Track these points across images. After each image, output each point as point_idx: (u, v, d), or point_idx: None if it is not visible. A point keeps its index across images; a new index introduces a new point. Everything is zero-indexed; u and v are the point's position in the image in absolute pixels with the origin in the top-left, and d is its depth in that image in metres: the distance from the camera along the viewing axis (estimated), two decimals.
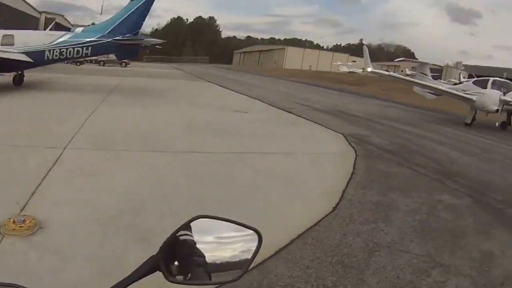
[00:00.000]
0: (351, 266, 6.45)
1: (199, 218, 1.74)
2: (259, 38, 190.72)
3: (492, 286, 6.38)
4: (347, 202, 9.43)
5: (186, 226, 1.73)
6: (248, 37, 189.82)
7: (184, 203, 8.37)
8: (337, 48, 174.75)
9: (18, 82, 29.14)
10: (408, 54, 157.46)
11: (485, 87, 26.88)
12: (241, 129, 16.67)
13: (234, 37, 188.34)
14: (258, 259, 1.74)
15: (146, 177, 10.12)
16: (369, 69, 29.89)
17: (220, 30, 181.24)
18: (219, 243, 1.74)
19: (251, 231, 1.79)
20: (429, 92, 31.53)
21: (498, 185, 12.62)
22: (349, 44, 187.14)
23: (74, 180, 9.62)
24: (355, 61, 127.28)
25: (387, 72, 31.61)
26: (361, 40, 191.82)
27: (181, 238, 1.71)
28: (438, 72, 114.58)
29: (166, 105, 22.63)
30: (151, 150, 12.64)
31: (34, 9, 69.42)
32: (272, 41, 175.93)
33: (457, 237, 8.20)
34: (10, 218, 7.16)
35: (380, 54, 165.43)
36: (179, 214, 7.69)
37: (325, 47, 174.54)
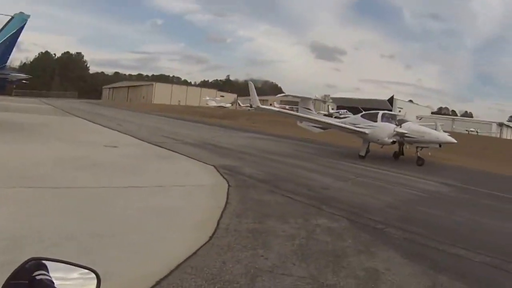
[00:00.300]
0: None
1: (32, 261, 1.76)
2: (127, 74, 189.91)
3: None
4: (223, 231, 9.25)
5: (23, 269, 1.75)
6: (116, 72, 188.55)
7: (58, 239, 7.88)
8: (205, 84, 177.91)
9: None
10: (275, 89, 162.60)
11: (374, 120, 27.50)
12: (112, 164, 16.10)
13: (102, 72, 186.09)
14: None
15: (18, 214, 9.39)
16: (257, 105, 29.32)
17: (87, 65, 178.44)
18: (59, 284, 1.72)
19: (86, 271, 1.82)
20: (315, 126, 31.78)
21: (374, 207, 13.01)
22: (216, 80, 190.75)
23: None
24: (223, 96, 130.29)
25: (276, 108, 31.28)
26: (228, 76, 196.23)
27: (37, 278, 1.70)
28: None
29: (35, 140, 21.44)
30: (21, 187, 11.81)
31: None
32: (140, 77, 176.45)
33: (339, 257, 8.25)
34: None
35: (247, 89, 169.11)
36: (54, 251, 7.27)
37: (192, 83, 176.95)
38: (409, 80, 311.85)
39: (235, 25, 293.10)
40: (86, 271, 1.77)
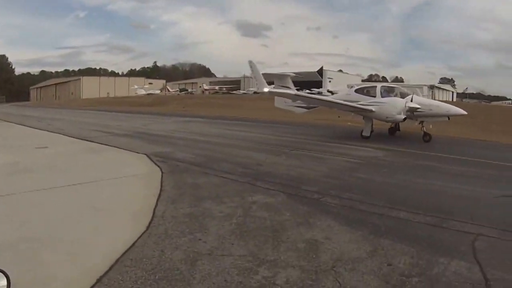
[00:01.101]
0: (176, 279, 6.25)
1: None
2: (53, 71, 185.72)
3: (324, 271, 6.48)
4: (159, 219, 9.12)
5: None
6: (42, 71, 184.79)
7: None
8: (132, 73, 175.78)
9: None
10: (204, 70, 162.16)
11: (373, 95, 25.50)
12: (44, 164, 15.62)
13: (28, 73, 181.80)
14: None
15: None
16: (265, 90, 25.38)
17: (13, 67, 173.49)
18: None
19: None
20: (298, 106, 29.25)
21: (309, 178, 13.11)
22: (143, 68, 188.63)
23: None
24: (151, 83, 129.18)
25: (293, 92, 27.64)
26: (155, 62, 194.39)
27: None
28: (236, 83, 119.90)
29: None
30: None
31: None
32: (66, 73, 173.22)
33: (277, 232, 8.30)
34: None
35: (175, 73, 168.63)
36: None
37: (120, 73, 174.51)
38: (338, 51, 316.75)
39: (159, 10, 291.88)
40: None
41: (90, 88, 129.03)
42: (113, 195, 11.36)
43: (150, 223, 8.85)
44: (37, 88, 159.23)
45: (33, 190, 11.83)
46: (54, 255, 7.12)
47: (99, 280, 6.22)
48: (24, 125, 35.87)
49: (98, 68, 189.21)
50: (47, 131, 29.61)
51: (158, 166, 14.82)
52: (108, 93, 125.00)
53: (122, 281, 6.20)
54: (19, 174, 14.07)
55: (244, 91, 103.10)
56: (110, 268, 6.64)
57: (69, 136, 25.38)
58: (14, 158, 17.04)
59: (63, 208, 10.13)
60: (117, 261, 6.93)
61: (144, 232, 8.32)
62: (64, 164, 15.79)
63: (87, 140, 22.81)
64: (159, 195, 11.10)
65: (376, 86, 26.83)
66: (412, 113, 23.38)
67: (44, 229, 8.56)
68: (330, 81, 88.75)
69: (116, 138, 23.55)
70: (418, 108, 23.10)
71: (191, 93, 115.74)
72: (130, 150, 18.54)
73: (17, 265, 6.54)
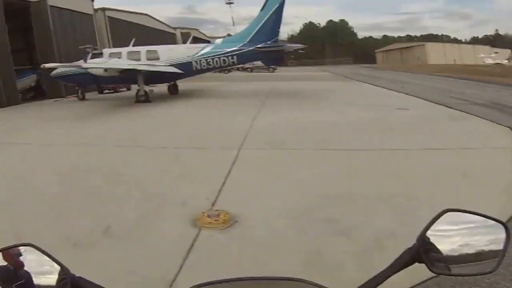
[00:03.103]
0: None
1: (448, 212, 1.72)
2: (395, 36, 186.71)
3: None
4: None
5: (436, 219, 1.71)
6: (385, 36, 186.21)
7: (368, 200, 8.36)
8: (475, 41, 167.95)
9: (173, 92, 31.93)
10: None
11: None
12: (408, 125, 16.28)
13: (371, 37, 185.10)
14: None
15: (326, 172, 10.28)
16: None
17: (354, 31, 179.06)
18: (466, 238, 1.71)
19: (498, 224, 1.73)
20: None
21: None
22: (486, 36, 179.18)
23: (255, 177, 10.08)
24: (497, 52, 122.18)
25: None
26: (496, 30, 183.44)
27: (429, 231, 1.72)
28: None
29: (325, 106, 22.66)
30: (322, 149, 12.75)
31: (169, 26, 72.03)
32: (409, 38, 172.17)
33: None
34: (204, 212, 7.61)
35: None
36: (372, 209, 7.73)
37: (463, 40, 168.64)
38: None
39: None
40: (495, 223, 1.70)
41: (434, 54, 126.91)
42: (481, 164, 11.13)
43: None
44: (382, 51, 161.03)
45: (398, 148, 12.51)
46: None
47: None
48: (378, 86, 37.11)
49: (439, 34, 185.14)
50: (402, 93, 30.22)
51: None
52: (454, 60, 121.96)
53: None
54: (387, 132, 14.87)
55: None
56: None
57: (425, 100, 25.45)
58: (379, 117, 18.04)
59: (431, 169, 10.43)
60: None
61: None
62: (427, 126, 16.01)
63: (444, 106, 22.65)
64: None
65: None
66: None
67: (417, 187, 9.01)
68: None
69: (474, 107, 22.68)
70: None
71: None
72: (490, 121, 17.77)
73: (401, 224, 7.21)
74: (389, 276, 1.66)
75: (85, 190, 9.34)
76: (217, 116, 19.89)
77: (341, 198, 8.42)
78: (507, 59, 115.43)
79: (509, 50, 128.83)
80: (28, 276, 1.60)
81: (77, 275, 1.61)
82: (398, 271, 1.67)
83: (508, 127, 16.31)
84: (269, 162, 11.41)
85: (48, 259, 1.61)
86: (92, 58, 28.29)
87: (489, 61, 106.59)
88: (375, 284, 1.65)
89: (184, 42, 36.88)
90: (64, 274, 1.59)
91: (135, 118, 20.16)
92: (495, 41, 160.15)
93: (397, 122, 16.86)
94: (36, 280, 1.60)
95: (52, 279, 1.60)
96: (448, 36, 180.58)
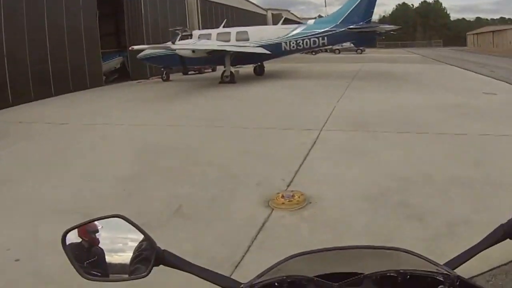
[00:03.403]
0: None
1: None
2: (488, 18, 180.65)
3: None
4: None
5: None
6: (478, 18, 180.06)
7: (444, 183, 8.18)
8: None
9: (259, 73, 31.64)
10: None
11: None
12: (494, 111, 15.54)
13: (463, 19, 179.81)
14: None
15: (408, 156, 10.09)
16: None
17: (448, 13, 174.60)
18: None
19: None
20: None
21: None
22: None
23: (334, 158, 9.96)
24: None
25: None
26: None
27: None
28: None
29: (412, 89, 22.01)
30: (405, 132, 12.52)
31: (260, 7, 72.22)
32: (502, 20, 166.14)
33: None
34: (278, 193, 7.56)
35: None
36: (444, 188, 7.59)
37: None
38: None
39: None
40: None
41: None
42: None
43: None
44: (473, 34, 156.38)
45: (483, 134, 12.09)
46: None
47: None
48: (467, 70, 36.03)
49: None
50: (491, 78, 29.16)
51: None
52: None
53: None
54: (469, 116, 14.43)
55: None
56: None
57: None
58: (464, 101, 17.45)
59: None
60: None
61: None
62: None
63: None
64: None
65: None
66: None
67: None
68: None
69: None
70: None
71: None
72: None
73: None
74: (481, 250, 1.64)
75: (160, 170, 9.49)
76: (300, 97, 19.73)
77: (420, 182, 8.25)
78: None
79: None
80: (101, 253, 1.62)
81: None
82: (490, 246, 1.64)
83: None
84: (349, 144, 11.28)
85: (135, 231, 1.64)
86: (181, 39, 28.51)
87: None
88: (467, 258, 1.63)
89: (275, 23, 36.94)
90: (150, 246, 1.63)
91: (219, 98, 20.28)
92: None
93: (483, 107, 16.29)
94: (109, 258, 1.62)
95: (136, 251, 1.63)
96: None
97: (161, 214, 6.97)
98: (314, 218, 6.75)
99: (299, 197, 7.37)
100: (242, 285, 1.48)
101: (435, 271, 1.45)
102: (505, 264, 5.29)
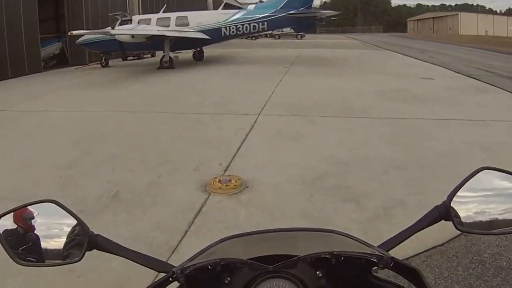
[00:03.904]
0: None
1: (483, 170, 1.66)
2: (429, 5, 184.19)
3: None
4: None
5: (470, 177, 1.65)
6: (418, 4, 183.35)
7: (385, 165, 8.41)
8: (510, 12, 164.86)
9: (198, 58, 31.59)
10: None
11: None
12: (432, 96, 16.00)
13: (404, 5, 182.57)
14: None
15: (345, 140, 10.28)
16: None
17: (389, 0, 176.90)
18: (498, 197, 1.66)
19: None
20: None
21: None
22: None
23: (272, 143, 10.10)
24: None
25: None
26: None
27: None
28: None
29: (351, 74, 22.40)
30: (343, 116, 12.75)
31: None
32: (443, 7, 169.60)
33: None
34: (215, 178, 7.62)
35: None
36: (384, 178, 7.75)
37: (498, 11, 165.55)
38: None
39: None
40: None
41: (467, 24, 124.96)
42: (504, 138, 10.73)
43: None
44: (414, 20, 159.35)
45: (419, 118, 12.41)
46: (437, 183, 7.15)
47: None
48: (406, 55, 36.68)
49: (475, 4, 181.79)
50: (430, 63, 29.76)
51: None
52: (486, 31, 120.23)
53: None
54: (407, 101, 14.79)
55: None
56: None
57: (452, 71, 25.05)
58: (401, 86, 17.84)
59: (450, 141, 10.25)
60: None
61: None
62: (450, 97, 15.80)
63: (471, 77, 22.16)
64: None
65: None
66: None
67: (430, 157, 8.92)
68: None
69: (502, 80, 22.03)
70: None
71: None
72: None
73: (397, 186, 7.12)
74: (415, 232, 1.66)
75: (98, 156, 9.41)
76: (239, 82, 19.79)
77: (357, 165, 8.44)
78: None
79: None
80: (36, 239, 1.60)
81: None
82: (425, 228, 1.66)
83: None
84: (287, 129, 11.38)
85: (69, 216, 1.62)
86: (121, 25, 28.07)
87: None
88: (400, 240, 1.66)
89: (216, 8, 36.78)
90: (83, 231, 1.61)
91: (157, 84, 20.08)
92: None
93: (421, 92, 16.68)
94: (44, 244, 1.60)
95: (69, 236, 1.61)
96: (483, 7, 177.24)
97: (99, 200, 6.94)
98: (251, 202, 6.81)
99: (236, 181, 7.43)
100: (174, 269, 1.45)
101: (369, 252, 1.47)
102: (440, 245, 5.47)
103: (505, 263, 5.20)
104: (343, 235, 1.67)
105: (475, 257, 5.30)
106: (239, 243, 1.69)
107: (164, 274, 1.48)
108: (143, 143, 10.27)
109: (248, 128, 11.25)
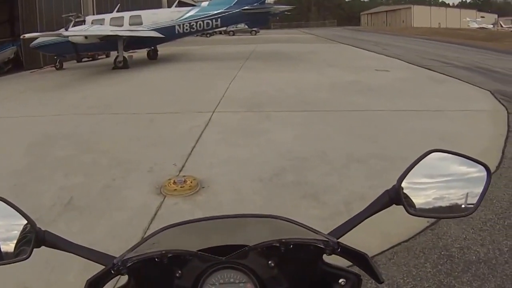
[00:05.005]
0: None
1: (432, 153, 1.70)
2: None
3: None
4: (509, 160, 8.61)
5: (420, 159, 1.68)
6: None
7: (343, 159, 8.41)
8: (463, 5, 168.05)
9: (153, 57, 31.21)
10: None
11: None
12: (386, 87, 16.19)
13: None
14: None
15: (302, 134, 10.25)
16: None
17: None
18: (447, 179, 1.68)
19: (480, 166, 1.67)
20: None
21: None
22: (474, 0, 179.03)
23: (227, 140, 9.97)
24: (483, 17, 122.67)
25: None
26: None
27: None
28: None
29: (305, 68, 22.43)
30: (299, 110, 12.69)
31: None
32: (396, 1, 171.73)
33: None
34: (170, 179, 7.44)
35: (507, 9, 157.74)
36: (343, 172, 7.72)
37: (450, 4, 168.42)
38: None
39: None
40: (480, 166, 1.66)
41: (421, 17, 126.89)
42: (458, 127, 10.93)
43: (499, 164, 8.44)
44: (367, 14, 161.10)
45: (376, 109, 12.53)
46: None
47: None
48: (360, 48, 36.97)
49: None
50: (384, 55, 30.04)
51: (504, 106, 13.71)
52: (439, 23, 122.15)
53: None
54: (363, 93, 14.85)
55: None
56: None
57: (407, 62, 25.32)
58: (357, 79, 17.97)
59: (408, 131, 10.34)
60: None
61: (494, 172, 7.79)
62: (406, 88, 16.02)
63: (426, 68, 22.42)
64: (507, 136, 10.34)
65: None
66: None
67: (389, 147, 9.04)
68: None
69: (456, 70, 22.44)
70: None
71: None
72: (472, 84, 17.58)
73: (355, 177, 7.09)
74: (366, 217, 1.65)
75: (52, 161, 9.14)
76: (194, 80, 19.68)
77: (316, 160, 8.40)
78: (492, 24, 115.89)
79: (495, 15, 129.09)
80: None
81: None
82: (376, 213, 1.66)
83: (488, 90, 16.19)
84: (242, 125, 11.32)
85: (16, 214, 1.60)
86: (74, 26, 27.57)
87: (474, 25, 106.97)
88: (352, 226, 1.65)
89: (170, 7, 36.54)
90: (32, 228, 1.59)
91: (111, 85, 19.68)
92: (483, 5, 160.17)
93: (376, 84, 16.80)
94: None
95: (21, 234, 1.60)
96: (436, 0, 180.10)
97: (52, 209, 6.72)
98: (207, 203, 6.70)
99: (191, 182, 7.28)
100: (114, 260, 1.45)
101: (317, 238, 1.48)
102: (405, 241, 5.44)
103: (474, 257, 5.19)
104: (288, 221, 1.68)
105: (442, 252, 5.28)
106: (182, 231, 1.69)
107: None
108: (97, 145, 10.02)
109: (203, 125, 11.13)
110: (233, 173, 7.85)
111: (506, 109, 13.22)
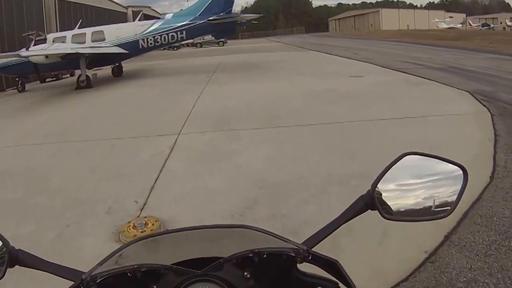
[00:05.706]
0: None
1: (407, 155, 1.69)
2: (350, 3, 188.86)
3: None
4: (502, 169, 8.07)
5: (394, 163, 1.68)
6: (339, 4, 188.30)
7: (320, 178, 7.93)
8: (431, 5, 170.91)
9: (117, 74, 30.77)
10: (503, 5, 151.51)
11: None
12: (363, 94, 15.81)
13: (325, 5, 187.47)
14: None
15: (275, 156, 9.58)
16: None
17: (310, 1, 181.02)
18: (423, 182, 1.67)
19: (456, 168, 1.69)
20: None
21: None
22: (442, 1, 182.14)
23: (194, 168, 9.16)
24: (452, 17, 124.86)
25: None
26: None
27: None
28: None
29: (275, 78, 22.10)
30: (270, 127, 12.09)
31: (119, 5, 71.11)
32: (364, 5, 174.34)
33: None
34: (129, 222, 6.58)
35: (475, 8, 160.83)
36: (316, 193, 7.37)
37: (418, 6, 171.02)
38: None
39: None
40: (456, 167, 1.68)
41: (389, 20, 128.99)
42: (443, 134, 10.50)
43: (493, 173, 7.89)
44: (335, 19, 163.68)
45: (354, 120, 12.06)
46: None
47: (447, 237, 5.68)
48: (330, 54, 36.87)
49: (395, 0, 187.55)
50: (356, 60, 30.16)
51: (486, 107, 13.38)
52: (408, 25, 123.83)
53: (475, 243, 5.57)
54: (338, 102, 14.53)
55: None
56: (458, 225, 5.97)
57: (380, 66, 25.23)
58: (330, 86, 17.62)
59: (391, 141, 9.81)
60: (465, 215, 6.20)
61: (489, 183, 7.41)
62: (383, 94, 15.66)
63: (400, 71, 22.31)
64: (495, 141, 9.90)
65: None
66: None
67: (367, 164, 8.08)
68: None
69: (430, 71, 22.40)
70: None
71: (492, 28, 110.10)
72: (449, 85, 17.34)
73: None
74: (342, 224, 1.65)
75: (1, 204, 8.10)
76: (159, 97, 19.07)
77: (293, 187, 7.70)
78: (460, 24, 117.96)
79: (463, 15, 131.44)
80: None
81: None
82: (351, 219, 1.66)
83: (466, 91, 15.88)
84: (209, 148, 10.59)
85: None
86: (35, 45, 26.51)
87: (443, 25, 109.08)
88: (326, 234, 1.65)
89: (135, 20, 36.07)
90: (4, 247, 1.59)
91: (72, 106, 18.84)
92: (451, 6, 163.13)
93: (350, 91, 16.45)
94: None
95: None
96: (404, 2, 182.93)
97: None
98: None
99: (153, 224, 6.40)
100: (83, 276, 1.41)
101: (287, 247, 1.48)
102: (404, 280, 4.91)
103: None
104: (257, 231, 1.67)
105: None
106: (153, 245, 1.69)
107: None
108: (51, 183, 9.02)
109: (167, 151, 10.36)
110: (201, 209, 7.09)
111: (489, 111, 12.92)
